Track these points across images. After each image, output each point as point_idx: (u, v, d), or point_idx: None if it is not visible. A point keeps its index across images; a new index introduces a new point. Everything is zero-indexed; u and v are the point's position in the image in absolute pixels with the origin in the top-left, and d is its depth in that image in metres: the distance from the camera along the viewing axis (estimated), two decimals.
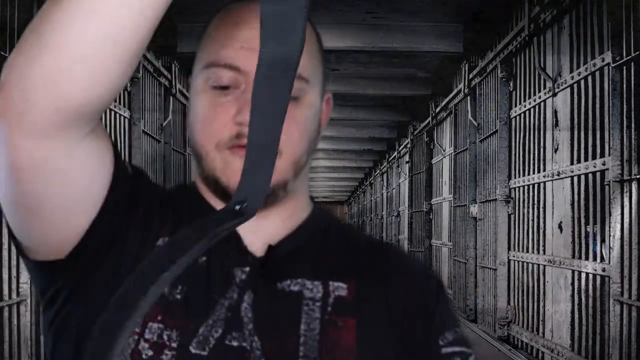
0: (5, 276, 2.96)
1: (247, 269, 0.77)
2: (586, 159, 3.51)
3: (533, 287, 4.33)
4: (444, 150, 7.38)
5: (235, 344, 0.73)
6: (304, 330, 0.74)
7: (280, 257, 0.79)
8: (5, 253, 2.95)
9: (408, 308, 0.80)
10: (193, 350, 0.72)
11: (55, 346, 0.78)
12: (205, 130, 0.76)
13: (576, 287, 3.63)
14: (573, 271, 3.67)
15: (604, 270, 3.29)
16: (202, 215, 0.81)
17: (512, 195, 4.74)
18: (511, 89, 4.78)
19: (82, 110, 0.61)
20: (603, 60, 3.27)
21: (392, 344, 0.78)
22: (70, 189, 0.68)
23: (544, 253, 4.14)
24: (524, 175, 4.54)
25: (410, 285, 0.82)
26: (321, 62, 0.81)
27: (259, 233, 0.79)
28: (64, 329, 0.77)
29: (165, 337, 0.72)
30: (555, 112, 4.00)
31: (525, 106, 4.50)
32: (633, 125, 3.00)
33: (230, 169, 0.75)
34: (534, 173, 4.33)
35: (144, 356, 0.71)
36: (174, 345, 0.72)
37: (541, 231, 4.19)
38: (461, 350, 0.79)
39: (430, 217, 8.11)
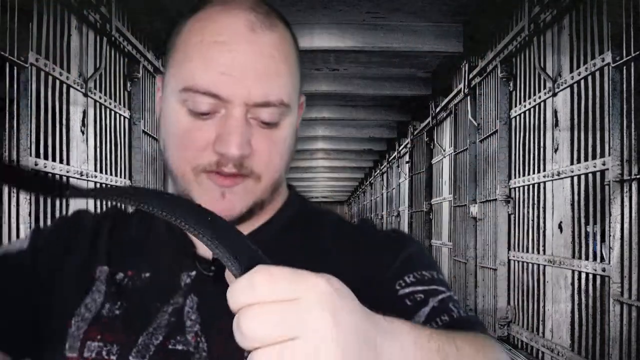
0: None
1: (193, 273, 0.77)
2: (586, 159, 3.51)
3: (533, 287, 4.33)
4: (444, 150, 7.38)
5: (179, 347, 0.73)
6: None
7: None
8: None
9: (369, 282, 0.74)
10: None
11: None
12: (181, 155, 0.74)
13: (576, 287, 3.63)
14: (573, 271, 3.67)
15: (604, 270, 3.29)
16: (165, 232, 0.82)
17: (512, 195, 4.74)
18: (511, 89, 4.78)
19: None
20: (603, 60, 3.27)
21: None
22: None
23: (544, 253, 4.14)
24: (524, 175, 4.53)
25: (370, 258, 0.77)
26: (299, 72, 0.78)
27: None
28: None
29: (104, 353, 0.73)
30: (555, 112, 4.00)
31: (525, 106, 4.50)
32: (633, 125, 3.00)
33: (208, 196, 0.73)
34: (534, 173, 4.33)
35: None
36: (113, 358, 0.73)
37: (541, 231, 4.19)
38: (422, 289, 0.73)
39: (430, 217, 8.10)
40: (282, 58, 0.74)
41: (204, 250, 0.79)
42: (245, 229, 0.80)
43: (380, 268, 0.77)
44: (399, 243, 0.81)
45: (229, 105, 0.71)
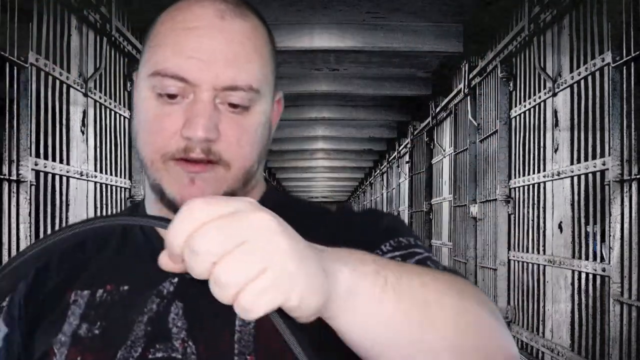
0: None
1: (175, 279, 0.76)
2: (586, 159, 3.51)
3: (533, 287, 4.33)
4: (444, 150, 7.38)
5: (159, 355, 0.72)
6: (238, 326, 0.73)
7: None
8: (4, 252, 2.95)
9: None
10: None
11: None
12: (150, 141, 0.74)
13: (576, 287, 3.63)
14: (573, 271, 3.67)
15: (604, 270, 3.29)
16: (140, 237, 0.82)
17: (512, 195, 4.74)
18: (511, 89, 4.78)
19: None
20: (603, 60, 3.27)
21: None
22: None
23: (544, 253, 4.14)
24: (524, 175, 4.53)
25: (354, 242, 0.75)
26: (273, 66, 0.79)
27: None
28: None
29: None
30: (555, 112, 4.00)
31: (525, 106, 4.50)
32: (633, 125, 3.00)
33: (178, 183, 0.73)
34: (534, 173, 4.33)
35: None
36: None
37: (541, 231, 4.19)
38: (400, 254, 0.73)
39: (430, 217, 8.10)
40: (252, 46, 0.74)
41: None
42: None
43: (363, 246, 0.77)
44: (375, 217, 0.82)
45: (197, 90, 0.72)
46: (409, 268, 0.60)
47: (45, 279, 0.81)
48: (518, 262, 4.63)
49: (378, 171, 14.13)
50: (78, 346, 0.74)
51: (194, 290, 0.74)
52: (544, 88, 4.13)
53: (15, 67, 3.06)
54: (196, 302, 0.74)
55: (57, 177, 3.59)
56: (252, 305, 0.46)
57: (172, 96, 0.73)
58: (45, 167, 3.42)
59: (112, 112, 4.50)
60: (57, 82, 3.60)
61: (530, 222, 4.38)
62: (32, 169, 3.22)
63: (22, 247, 3.08)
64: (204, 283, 0.75)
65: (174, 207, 0.74)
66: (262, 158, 0.79)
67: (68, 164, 3.75)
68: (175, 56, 0.72)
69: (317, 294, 0.50)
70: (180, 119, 0.72)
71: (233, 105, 0.73)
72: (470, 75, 5.63)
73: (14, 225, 3.01)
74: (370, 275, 0.54)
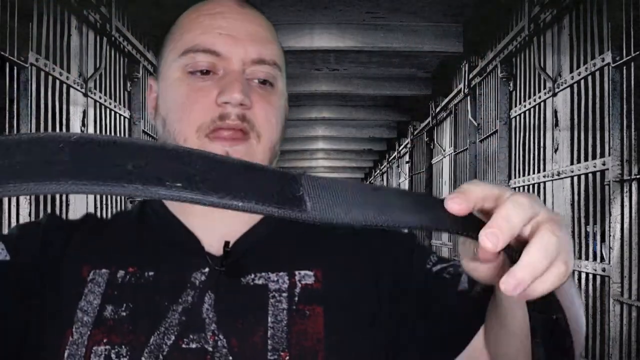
0: None
1: (206, 270, 0.76)
2: (586, 159, 3.51)
3: None
4: (444, 150, 7.38)
5: (193, 346, 0.71)
6: (271, 322, 0.73)
7: (239, 252, 0.77)
8: None
9: (385, 277, 0.78)
10: None
11: None
12: (184, 116, 0.75)
13: (576, 287, 3.62)
14: (573, 271, 3.66)
15: (604, 270, 3.29)
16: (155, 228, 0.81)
17: None
18: (511, 89, 4.78)
19: None
20: (603, 60, 3.27)
21: (363, 327, 0.75)
22: None
23: None
24: (524, 175, 4.53)
25: (382, 254, 0.80)
26: (284, 61, 0.83)
27: (218, 231, 0.77)
28: None
29: (113, 355, 0.71)
30: (555, 112, 4.00)
31: (525, 106, 4.50)
32: (633, 125, 3.00)
33: None
34: (534, 173, 4.33)
35: None
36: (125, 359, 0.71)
37: None
38: (448, 264, 0.79)
39: None
40: (269, 31, 0.81)
41: (211, 247, 0.78)
42: (240, 227, 0.79)
43: (403, 249, 0.81)
44: (411, 241, 0.84)
45: (227, 63, 0.76)
46: None
47: (51, 244, 0.78)
48: None
49: (378, 171, 14.13)
50: (103, 327, 0.72)
51: (223, 283, 0.75)
52: (544, 88, 4.13)
53: (15, 67, 3.06)
54: (226, 295, 0.74)
55: None
56: (565, 268, 0.49)
57: (203, 72, 0.76)
58: None
59: (112, 112, 4.50)
60: (57, 82, 3.59)
61: None
62: None
63: None
64: (234, 276, 0.75)
65: None
66: (280, 141, 0.82)
67: None
68: (205, 34, 0.77)
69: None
70: (213, 91, 0.75)
71: (261, 82, 0.77)
72: (470, 75, 5.63)
73: (13, 225, 3.01)
74: None
